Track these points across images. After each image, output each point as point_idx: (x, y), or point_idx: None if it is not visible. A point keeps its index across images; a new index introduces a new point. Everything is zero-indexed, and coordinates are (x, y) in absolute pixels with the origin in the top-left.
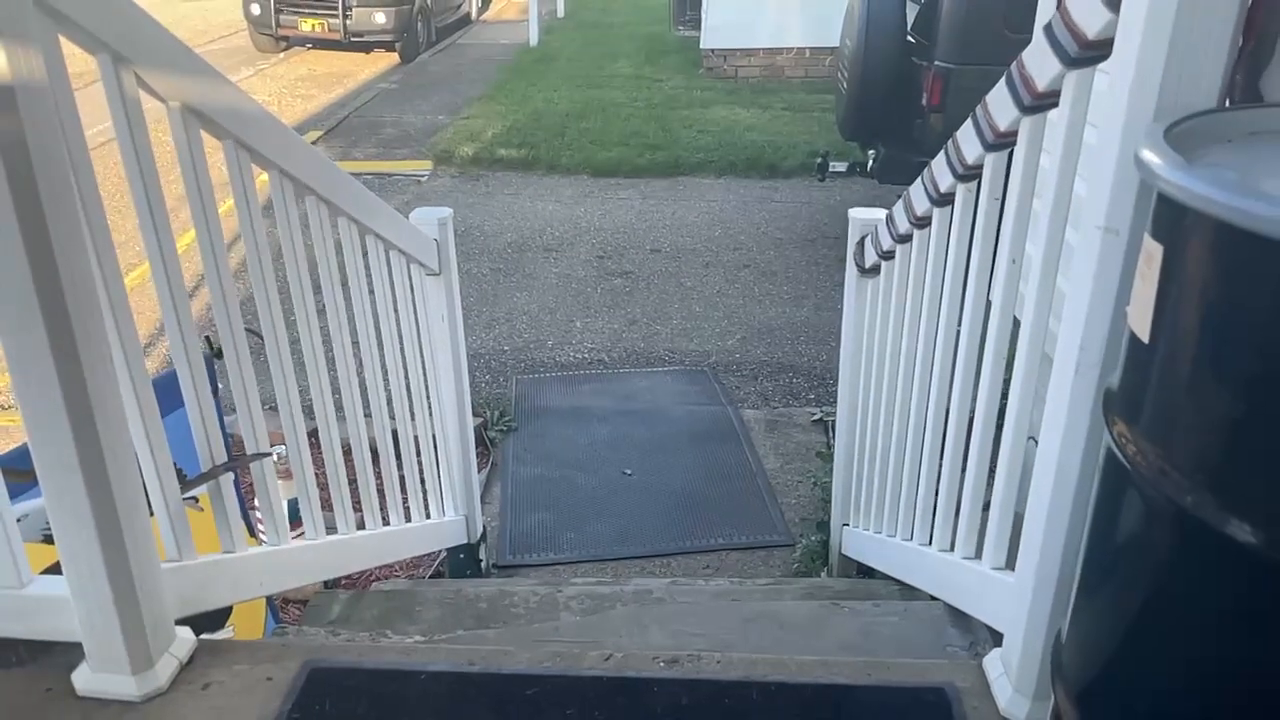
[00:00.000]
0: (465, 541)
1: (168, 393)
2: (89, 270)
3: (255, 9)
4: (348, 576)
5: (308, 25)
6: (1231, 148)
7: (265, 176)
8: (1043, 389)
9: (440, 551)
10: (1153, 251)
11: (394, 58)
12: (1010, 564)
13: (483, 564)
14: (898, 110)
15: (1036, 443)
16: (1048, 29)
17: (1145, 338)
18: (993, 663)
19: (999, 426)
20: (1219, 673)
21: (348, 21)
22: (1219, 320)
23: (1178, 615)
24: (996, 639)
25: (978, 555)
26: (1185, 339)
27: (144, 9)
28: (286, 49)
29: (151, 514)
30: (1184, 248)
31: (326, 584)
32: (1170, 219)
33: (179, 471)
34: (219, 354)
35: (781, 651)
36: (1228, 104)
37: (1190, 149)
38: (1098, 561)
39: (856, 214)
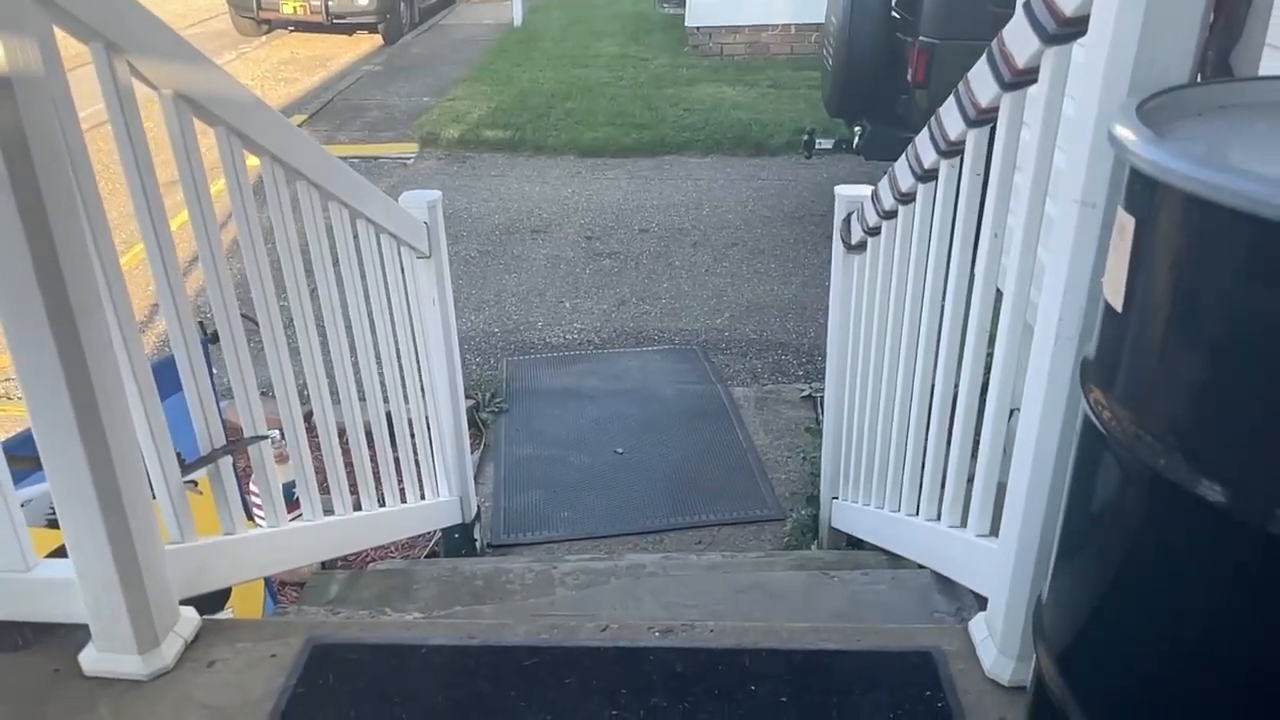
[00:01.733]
0: (460, 521)
1: (164, 378)
2: (88, 257)
3: None
4: (344, 558)
5: (289, 8)
6: (1202, 121)
7: (256, 159)
8: (1025, 360)
9: (435, 532)
10: (1125, 223)
11: (377, 40)
12: (994, 531)
13: (477, 544)
14: (883, 86)
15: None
16: (1027, 6)
17: (1119, 307)
18: (978, 626)
19: (983, 397)
20: (1192, 630)
21: (329, 3)
22: (1188, 289)
23: (1151, 575)
24: (981, 604)
25: (963, 523)
26: (1156, 307)
27: None
28: (268, 32)
29: (153, 497)
30: (1155, 219)
31: (324, 565)
32: (1142, 191)
33: (177, 455)
34: (214, 339)
35: (772, 620)
36: (1199, 79)
37: (1162, 124)
38: (1076, 525)
39: (842, 191)
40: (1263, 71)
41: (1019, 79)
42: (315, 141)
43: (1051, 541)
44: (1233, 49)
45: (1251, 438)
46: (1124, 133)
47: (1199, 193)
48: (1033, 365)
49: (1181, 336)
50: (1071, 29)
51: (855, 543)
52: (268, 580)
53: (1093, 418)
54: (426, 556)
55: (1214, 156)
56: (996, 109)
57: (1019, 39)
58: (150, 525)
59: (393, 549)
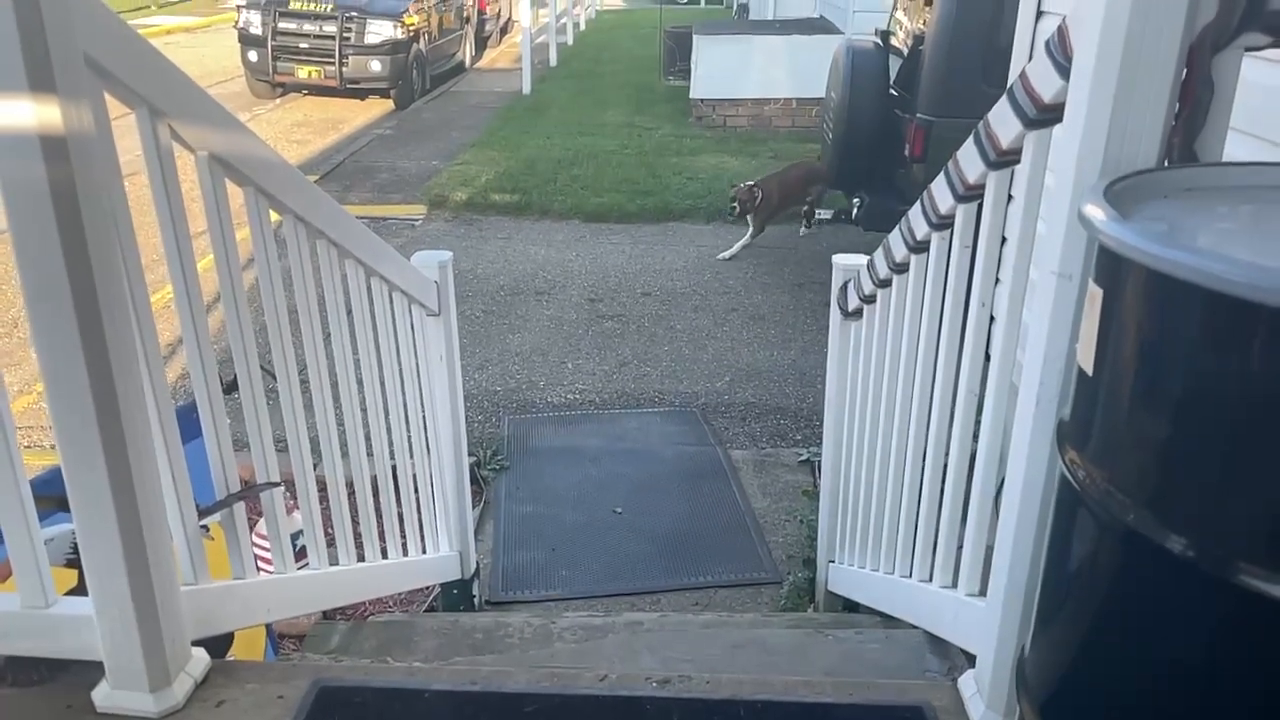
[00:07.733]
0: (459, 577)
1: (181, 425)
2: (126, 304)
3: (253, 56)
4: (343, 610)
5: (304, 72)
6: (1168, 203)
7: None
8: (1012, 422)
9: (434, 587)
10: (1095, 294)
11: (389, 104)
12: (983, 590)
13: (475, 600)
14: (881, 160)
15: None
16: (1010, 92)
17: (1090, 371)
18: (966, 682)
19: (973, 461)
20: (1164, 680)
21: (344, 69)
22: (1150, 355)
23: (1125, 626)
24: (972, 662)
25: (954, 584)
26: (1123, 372)
27: (177, 66)
28: (283, 95)
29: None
30: (1121, 291)
31: (325, 615)
32: (1109, 266)
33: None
34: (228, 389)
35: (767, 675)
36: (1167, 163)
37: (1130, 204)
38: (1055, 579)
39: (840, 260)
40: (1227, 156)
41: (1003, 159)
42: (335, 202)
43: (1035, 597)
44: (1198, 135)
45: (1211, 493)
46: (1093, 212)
47: (1159, 268)
48: (1017, 428)
49: (1146, 399)
50: (1050, 114)
51: (851, 606)
52: (269, 630)
53: (1069, 476)
54: (425, 611)
55: (1174, 235)
56: (983, 186)
57: (1003, 122)
58: (168, 565)
59: (391, 603)
